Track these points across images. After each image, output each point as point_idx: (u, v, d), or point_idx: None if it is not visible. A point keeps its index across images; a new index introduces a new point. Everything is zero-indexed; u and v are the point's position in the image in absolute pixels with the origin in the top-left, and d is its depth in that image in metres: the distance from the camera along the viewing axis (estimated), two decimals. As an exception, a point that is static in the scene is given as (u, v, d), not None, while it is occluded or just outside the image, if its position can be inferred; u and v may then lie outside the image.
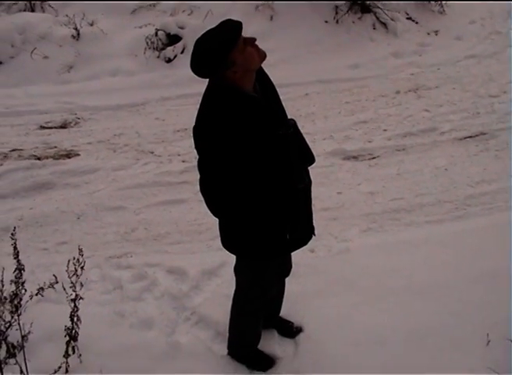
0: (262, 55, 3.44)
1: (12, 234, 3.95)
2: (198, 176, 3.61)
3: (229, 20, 3.41)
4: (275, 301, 4.53)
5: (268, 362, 4.45)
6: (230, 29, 3.34)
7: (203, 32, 3.44)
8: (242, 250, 3.89)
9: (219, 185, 3.56)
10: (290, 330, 4.66)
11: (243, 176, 3.54)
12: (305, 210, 3.85)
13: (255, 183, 3.57)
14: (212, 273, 5.24)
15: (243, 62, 3.38)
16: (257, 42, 3.42)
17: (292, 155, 3.62)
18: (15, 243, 3.95)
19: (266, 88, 3.60)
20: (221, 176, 3.53)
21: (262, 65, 3.55)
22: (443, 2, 10.69)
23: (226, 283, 4.81)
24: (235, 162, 3.48)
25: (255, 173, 3.55)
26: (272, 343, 4.55)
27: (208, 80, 3.53)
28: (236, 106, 3.41)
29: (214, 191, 3.60)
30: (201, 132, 3.47)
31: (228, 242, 3.90)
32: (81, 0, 10.19)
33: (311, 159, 3.87)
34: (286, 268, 4.32)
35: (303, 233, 3.92)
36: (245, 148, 3.45)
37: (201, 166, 3.57)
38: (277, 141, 3.52)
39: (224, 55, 3.32)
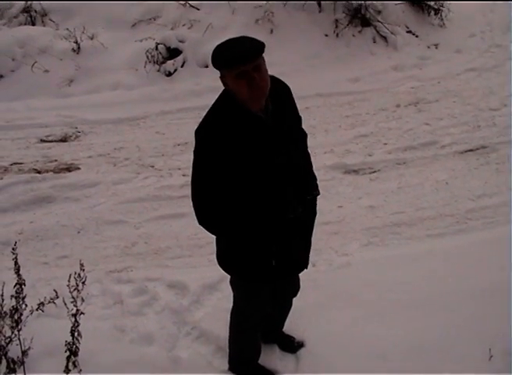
0: (254, 90, 3.19)
1: (12, 249, 3.94)
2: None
3: (246, 44, 3.19)
4: (275, 318, 4.52)
5: None
6: (233, 54, 3.15)
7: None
8: (230, 269, 3.86)
9: (206, 196, 3.43)
10: (291, 345, 4.64)
11: (230, 193, 3.41)
12: (296, 240, 3.73)
13: (242, 203, 3.45)
14: (213, 287, 5.23)
15: (233, 90, 3.26)
16: None
17: (285, 184, 3.48)
18: (16, 257, 3.94)
19: (282, 110, 3.44)
20: (208, 187, 3.39)
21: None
22: (443, 16, 10.72)
23: (227, 298, 4.78)
24: (223, 176, 3.34)
25: (242, 193, 3.42)
26: (273, 358, 4.54)
27: None
28: (236, 120, 3.30)
29: (199, 201, 3.48)
30: (197, 135, 3.34)
31: (219, 258, 3.86)
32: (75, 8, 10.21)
33: (310, 190, 3.75)
34: (289, 289, 4.29)
35: (293, 262, 3.82)
36: (235, 165, 3.32)
37: (192, 170, 3.44)
38: (271, 169, 3.39)
39: (219, 70, 3.26)
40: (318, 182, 3.91)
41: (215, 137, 3.28)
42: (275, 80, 3.48)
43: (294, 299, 4.56)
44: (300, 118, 3.75)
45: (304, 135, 3.81)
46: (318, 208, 3.92)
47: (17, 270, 3.97)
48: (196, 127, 3.35)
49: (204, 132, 3.32)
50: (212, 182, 3.36)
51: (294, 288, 4.32)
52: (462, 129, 7.86)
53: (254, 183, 3.40)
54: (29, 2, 10.39)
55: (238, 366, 4.45)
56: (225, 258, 3.82)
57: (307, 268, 3.98)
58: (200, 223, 3.55)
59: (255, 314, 4.10)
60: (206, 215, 3.50)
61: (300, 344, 4.64)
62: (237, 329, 4.26)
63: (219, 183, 3.36)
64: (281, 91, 3.50)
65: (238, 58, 3.12)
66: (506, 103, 8.41)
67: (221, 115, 3.33)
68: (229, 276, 4.00)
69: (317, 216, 3.93)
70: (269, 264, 3.66)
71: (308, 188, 3.73)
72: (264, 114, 3.35)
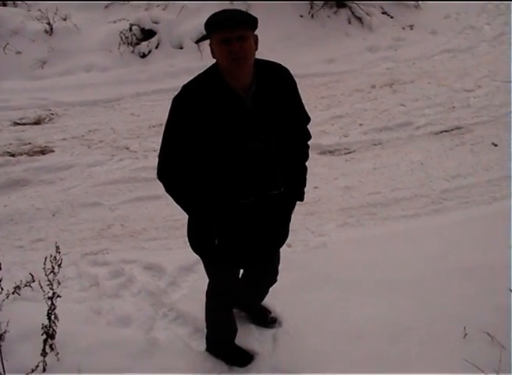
0: (229, 58, 3.20)
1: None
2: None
3: (236, 14, 3.27)
4: (249, 302, 4.58)
5: (247, 357, 4.45)
6: (220, 19, 3.20)
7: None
8: (191, 246, 3.88)
9: (169, 155, 3.44)
10: (265, 320, 4.69)
11: (192, 161, 3.42)
12: (252, 229, 3.67)
13: (200, 173, 3.46)
14: (189, 269, 5.23)
15: (216, 57, 3.29)
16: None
17: (245, 167, 3.42)
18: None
19: (268, 96, 3.40)
20: (173, 148, 3.41)
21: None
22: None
23: (203, 279, 4.75)
24: (188, 144, 3.35)
25: (204, 164, 3.42)
26: (250, 339, 4.55)
27: None
28: (214, 94, 3.30)
29: (163, 158, 3.48)
30: (173, 100, 3.36)
31: (187, 236, 3.89)
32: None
33: (272, 186, 3.59)
34: (262, 278, 4.33)
35: (248, 250, 3.78)
36: (203, 137, 3.32)
37: (164, 128, 3.46)
38: (240, 151, 3.37)
39: (208, 35, 3.29)
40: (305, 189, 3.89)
41: (189, 106, 3.30)
42: (270, 65, 3.51)
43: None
44: (301, 114, 3.68)
45: (303, 136, 3.76)
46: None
47: (-9, 254, 3.96)
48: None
49: (180, 99, 3.34)
50: (177, 146, 3.38)
51: (268, 278, 4.35)
52: (437, 110, 7.89)
53: (218, 159, 3.40)
54: (0, -17, 10.30)
55: (214, 346, 4.47)
56: (188, 236, 3.85)
57: (268, 260, 4.04)
58: (158, 177, 3.54)
59: (224, 295, 4.12)
60: (165, 172, 3.49)
61: (274, 320, 4.68)
62: (209, 307, 4.28)
63: (184, 149, 3.38)
64: (274, 77, 3.47)
65: (223, 22, 3.18)
66: (480, 84, 8.45)
67: (201, 86, 3.34)
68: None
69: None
70: (212, 243, 3.65)
71: (275, 184, 3.59)
72: (245, 94, 3.34)
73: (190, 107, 3.30)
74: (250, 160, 3.41)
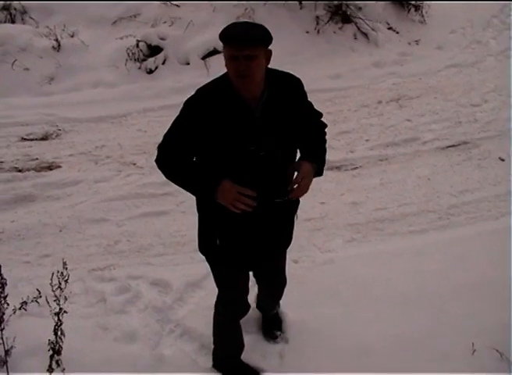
0: (236, 75, 3.26)
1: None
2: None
3: (248, 31, 3.27)
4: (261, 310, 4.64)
5: (253, 374, 4.43)
6: (231, 35, 3.23)
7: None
8: (198, 244, 3.94)
9: (170, 148, 3.55)
10: (272, 334, 4.73)
11: (185, 155, 3.53)
12: (253, 233, 3.69)
13: (201, 169, 3.53)
14: (196, 284, 5.23)
15: (226, 67, 3.32)
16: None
17: (250, 174, 3.44)
18: (-4, 257, 3.93)
19: (278, 107, 3.43)
20: (175, 143, 3.51)
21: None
22: (424, 12, 10.74)
23: (210, 295, 4.77)
24: (192, 144, 3.44)
25: (206, 164, 3.50)
26: (256, 355, 4.55)
27: None
28: (225, 100, 3.35)
29: (163, 148, 3.60)
30: (185, 102, 3.45)
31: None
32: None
33: (277, 194, 3.60)
34: (267, 285, 4.40)
35: (248, 252, 3.81)
36: (209, 142, 3.39)
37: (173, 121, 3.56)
38: (241, 155, 3.41)
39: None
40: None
41: (199, 110, 3.36)
42: (283, 75, 3.55)
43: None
44: (312, 115, 3.74)
45: (318, 126, 3.82)
46: (300, 205, 3.90)
47: (-2, 270, 3.96)
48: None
49: (192, 101, 3.42)
50: (178, 141, 3.48)
51: (276, 283, 4.39)
52: (443, 125, 7.88)
53: (223, 165, 3.44)
54: (8, 0, 10.31)
55: (221, 362, 4.47)
56: (198, 237, 3.91)
57: (263, 266, 4.04)
58: (156, 163, 3.69)
59: (231, 303, 4.15)
60: (162, 162, 3.65)
61: (280, 334, 4.72)
62: (217, 319, 4.29)
63: (184, 147, 3.47)
64: (286, 88, 3.50)
65: (233, 39, 3.22)
66: (486, 99, 8.45)
67: (213, 92, 3.40)
68: (211, 273, 4.04)
69: (299, 213, 3.91)
70: (214, 243, 3.74)
71: (280, 192, 3.60)
72: (255, 104, 3.38)
73: (200, 110, 3.36)
74: (256, 168, 3.44)
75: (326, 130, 3.86)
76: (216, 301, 4.22)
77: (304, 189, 3.55)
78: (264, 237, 3.74)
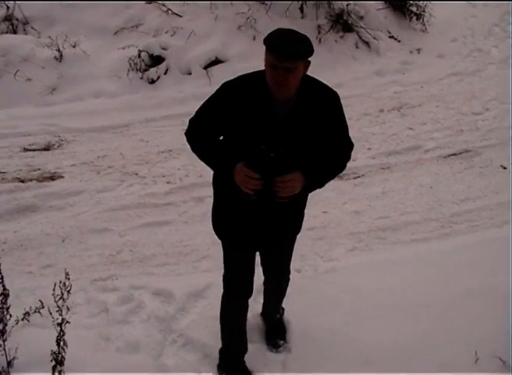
0: (272, 82, 3.36)
1: (-6, 259, 3.93)
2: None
3: (291, 44, 3.30)
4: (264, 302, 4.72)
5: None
6: (275, 44, 3.30)
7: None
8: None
9: (196, 121, 3.72)
10: (275, 342, 4.75)
11: (212, 131, 3.69)
12: (253, 217, 3.81)
13: (219, 148, 3.69)
14: (198, 294, 5.22)
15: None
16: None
17: (257, 170, 3.52)
18: (-2, 268, 3.93)
19: (305, 117, 3.50)
20: (201, 117, 3.70)
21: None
22: (425, 21, 10.77)
23: (213, 305, 4.78)
24: (217, 125, 3.64)
25: (225, 144, 3.68)
26: (259, 364, 4.55)
27: None
28: (256, 95, 3.47)
29: (193, 121, 3.75)
30: (222, 84, 3.61)
31: None
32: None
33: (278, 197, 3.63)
34: (271, 271, 4.42)
35: (248, 234, 3.92)
36: (230, 127, 3.59)
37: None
38: (252, 150, 3.54)
39: None
40: None
41: (232, 95, 3.53)
42: (319, 85, 3.60)
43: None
44: (341, 138, 3.74)
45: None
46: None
47: (1, 280, 3.96)
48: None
49: (229, 85, 3.59)
50: (207, 118, 3.66)
51: (278, 279, 4.46)
52: (445, 133, 7.90)
53: (237, 152, 3.57)
54: (10, 11, 10.33)
55: (225, 362, 4.50)
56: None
57: (277, 249, 4.13)
58: (185, 135, 3.80)
59: (234, 286, 4.22)
60: (190, 134, 3.77)
61: (283, 343, 4.72)
62: (223, 308, 4.36)
63: (214, 126, 3.65)
64: (318, 98, 3.55)
65: (276, 49, 3.29)
66: (488, 107, 8.46)
67: (250, 82, 3.54)
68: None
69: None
70: (221, 220, 4.00)
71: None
72: (282, 106, 3.47)
73: (232, 96, 3.53)
74: (263, 166, 3.51)
75: (348, 164, 3.87)
76: (222, 280, 4.27)
77: (286, 190, 3.55)
78: (264, 223, 3.83)
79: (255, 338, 4.74)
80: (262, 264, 4.37)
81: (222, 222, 3.99)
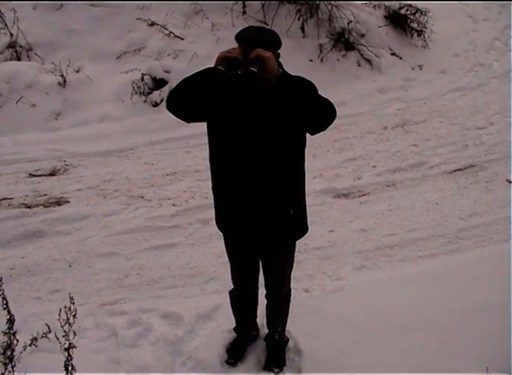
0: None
1: (-1, 285, 3.93)
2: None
3: (257, 33, 3.68)
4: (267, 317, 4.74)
5: (233, 356, 4.66)
6: (241, 35, 3.65)
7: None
8: None
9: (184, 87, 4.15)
10: (271, 369, 4.71)
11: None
12: (237, 205, 3.96)
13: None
14: (207, 316, 5.21)
15: None
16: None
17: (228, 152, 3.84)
18: (3, 293, 3.92)
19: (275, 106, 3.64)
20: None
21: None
22: (426, 37, 10.81)
23: (221, 327, 4.79)
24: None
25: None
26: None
27: None
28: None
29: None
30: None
31: None
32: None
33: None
34: (266, 279, 4.42)
35: (233, 221, 4.06)
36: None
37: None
38: (228, 132, 3.84)
39: None
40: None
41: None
42: (294, 78, 3.70)
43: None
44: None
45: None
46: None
47: (6, 306, 3.96)
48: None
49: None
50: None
51: (272, 284, 4.43)
52: (450, 149, 7.91)
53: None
54: (14, 38, 10.39)
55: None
56: None
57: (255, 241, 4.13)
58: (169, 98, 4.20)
59: (232, 272, 4.41)
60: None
61: (278, 372, 4.68)
62: (230, 292, 4.60)
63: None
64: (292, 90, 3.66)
65: (242, 39, 3.64)
66: (492, 121, 8.48)
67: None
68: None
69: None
70: (215, 211, 4.19)
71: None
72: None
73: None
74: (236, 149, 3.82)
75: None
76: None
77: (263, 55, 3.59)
78: (248, 206, 3.93)
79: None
80: (263, 272, 4.40)
81: (217, 211, 4.15)
